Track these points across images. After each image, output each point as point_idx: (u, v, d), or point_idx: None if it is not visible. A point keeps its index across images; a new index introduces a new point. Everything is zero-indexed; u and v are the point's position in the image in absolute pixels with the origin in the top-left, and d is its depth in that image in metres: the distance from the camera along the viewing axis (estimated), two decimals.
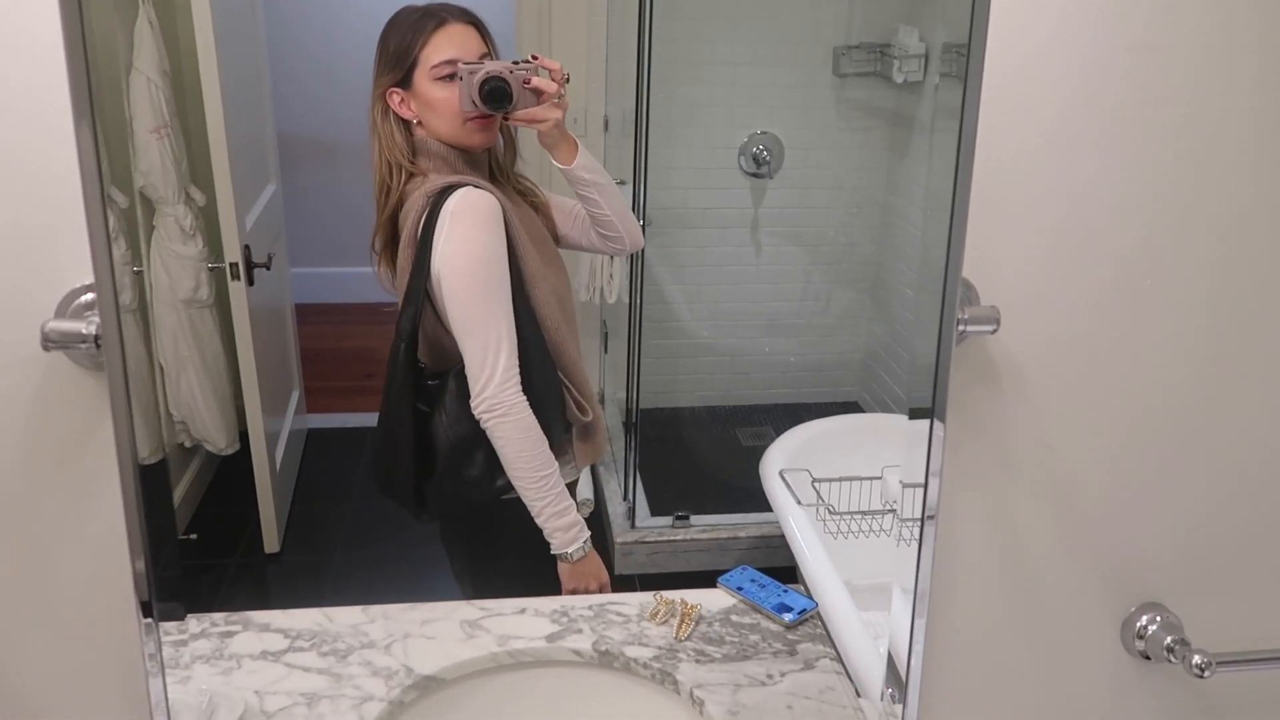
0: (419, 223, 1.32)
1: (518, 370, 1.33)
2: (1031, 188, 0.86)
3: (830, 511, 1.91)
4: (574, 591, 1.40)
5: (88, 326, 0.72)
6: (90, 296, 0.75)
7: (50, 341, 0.72)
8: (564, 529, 1.37)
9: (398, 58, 1.34)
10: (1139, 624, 1.00)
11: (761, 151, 3.10)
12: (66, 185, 0.73)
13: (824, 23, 3.03)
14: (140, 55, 2.26)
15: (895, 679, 1.01)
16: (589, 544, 1.40)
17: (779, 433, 2.23)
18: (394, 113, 1.36)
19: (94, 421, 0.79)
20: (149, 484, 0.80)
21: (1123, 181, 0.87)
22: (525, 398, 1.33)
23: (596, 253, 1.58)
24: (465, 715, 1.15)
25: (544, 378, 1.39)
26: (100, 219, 0.68)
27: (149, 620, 0.81)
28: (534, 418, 1.34)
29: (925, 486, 0.82)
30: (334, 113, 3.45)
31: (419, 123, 1.36)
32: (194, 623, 1.17)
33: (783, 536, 1.93)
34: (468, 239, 1.31)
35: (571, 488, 1.45)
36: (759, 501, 2.04)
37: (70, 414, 0.79)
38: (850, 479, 1.91)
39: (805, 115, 3.09)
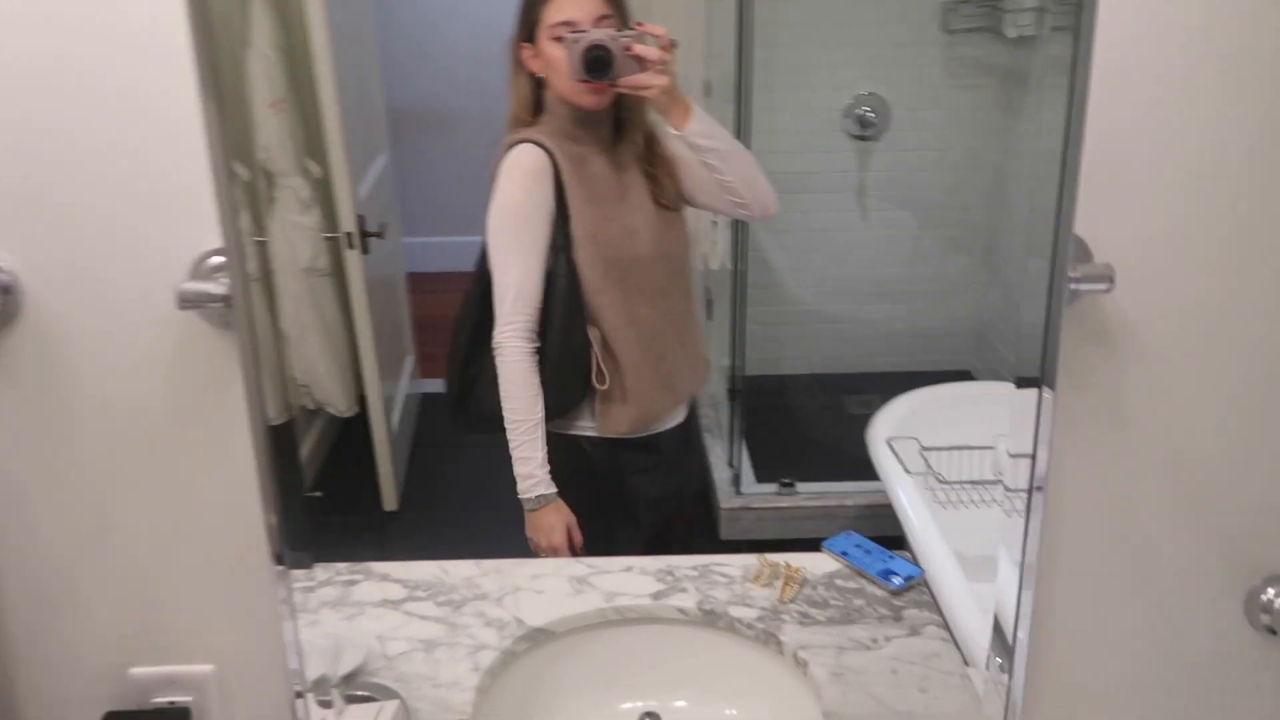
0: (494, 174, 1.43)
1: (522, 319, 1.42)
2: (1149, 142, 0.82)
3: (939, 480, 1.88)
4: (533, 542, 1.48)
5: (218, 287, 0.76)
6: (220, 260, 0.79)
7: (185, 301, 0.77)
8: (521, 476, 1.46)
9: (525, 14, 1.41)
10: (1264, 596, 0.95)
11: (867, 113, 3.02)
12: (197, 156, 0.77)
13: None
14: (257, 31, 2.35)
15: (1003, 649, 0.99)
16: (543, 501, 1.47)
17: (886, 401, 2.19)
18: (525, 66, 1.43)
19: (226, 377, 0.84)
20: (278, 442, 0.85)
21: (1246, 135, 0.82)
22: (522, 345, 1.42)
23: (728, 216, 1.62)
24: (573, 667, 1.19)
25: (564, 336, 1.46)
26: (226, 186, 0.72)
27: (280, 568, 0.87)
28: (524, 366, 1.43)
29: (1034, 454, 0.80)
30: (443, 84, 3.52)
31: (544, 78, 1.43)
32: (320, 571, 1.24)
33: (889, 505, 1.91)
34: (503, 191, 1.42)
35: (610, 444, 1.53)
36: (866, 469, 2.01)
37: (204, 369, 0.84)
38: (960, 448, 1.87)
39: (913, 74, 3.00)
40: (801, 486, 2.57)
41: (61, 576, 0.90)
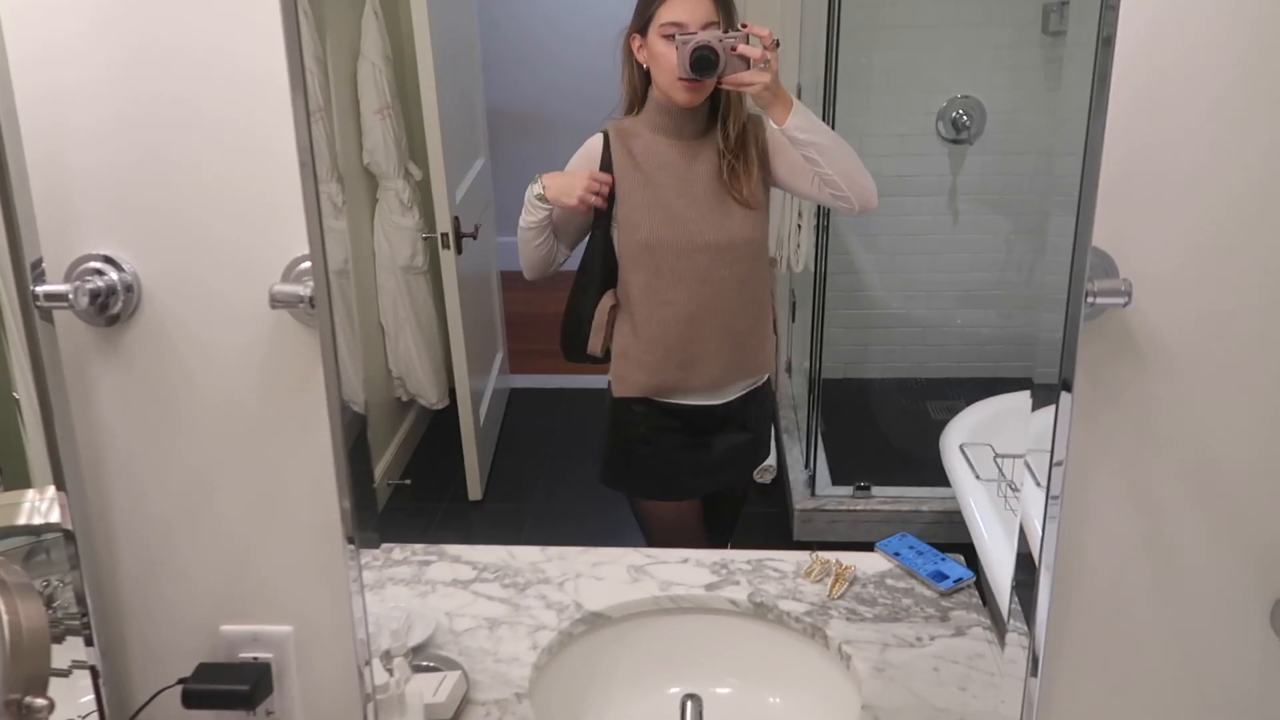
0: None
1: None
2: (1174, 153, 0.82)
3: (1012, 489, 1.87)
4: (569, 200, 1.57)
5: (305, 289, 0.85)
6: (308, 264, 0.89)
7: (276, 301, 0.86)
8: (529, 210, 1.60)
9: (641, 9, 1.53)
10: None
11: (961, 116, 2.99)
12: (290, 168, 0.87)
13: None
14: (366, 43, 2.49)
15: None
16: (542, 183, 1.58)
17: (970, 406, 2.19)
18: (635, 56, 1.56)
19: (311, 369, 0.93)
20: (355, 431, 0.94)
21: (1274, 147, 0.82)
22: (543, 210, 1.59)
23: (829, 207, 1.71)
24: (627, 651, 1.25)
25: (589, 295, 1.63)
26: (313, 198, 0.81)
27: (352, 547, 0.95)
28: (546, 250, 1.62)
29: (1050, 462, 0.82)
30: (541, 89, 3.63)
31: (648, 69, 1.54)
32: (398, 551, 1.33)
33: (961, 511, 1.91)
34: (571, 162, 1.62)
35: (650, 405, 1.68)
36: (944, 475, 2.01)
37: (292, 362, 0.94)
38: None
39: (1010, 77, 2.95)
40: (877, 490, 2.57)
41: (166, 542, 1.01)
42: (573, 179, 1.57)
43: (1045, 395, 0.84)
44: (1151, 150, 0.82)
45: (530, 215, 1.60)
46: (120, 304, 0.90)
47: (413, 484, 2.58)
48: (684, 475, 1.77)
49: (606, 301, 1.64)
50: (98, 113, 0.87)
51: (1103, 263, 0.82)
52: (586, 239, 1.65)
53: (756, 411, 1.77)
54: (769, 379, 1.77)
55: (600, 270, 1.62)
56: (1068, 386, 0.79)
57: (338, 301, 0.83)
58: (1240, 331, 0.87)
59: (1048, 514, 0.85)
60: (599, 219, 1.61)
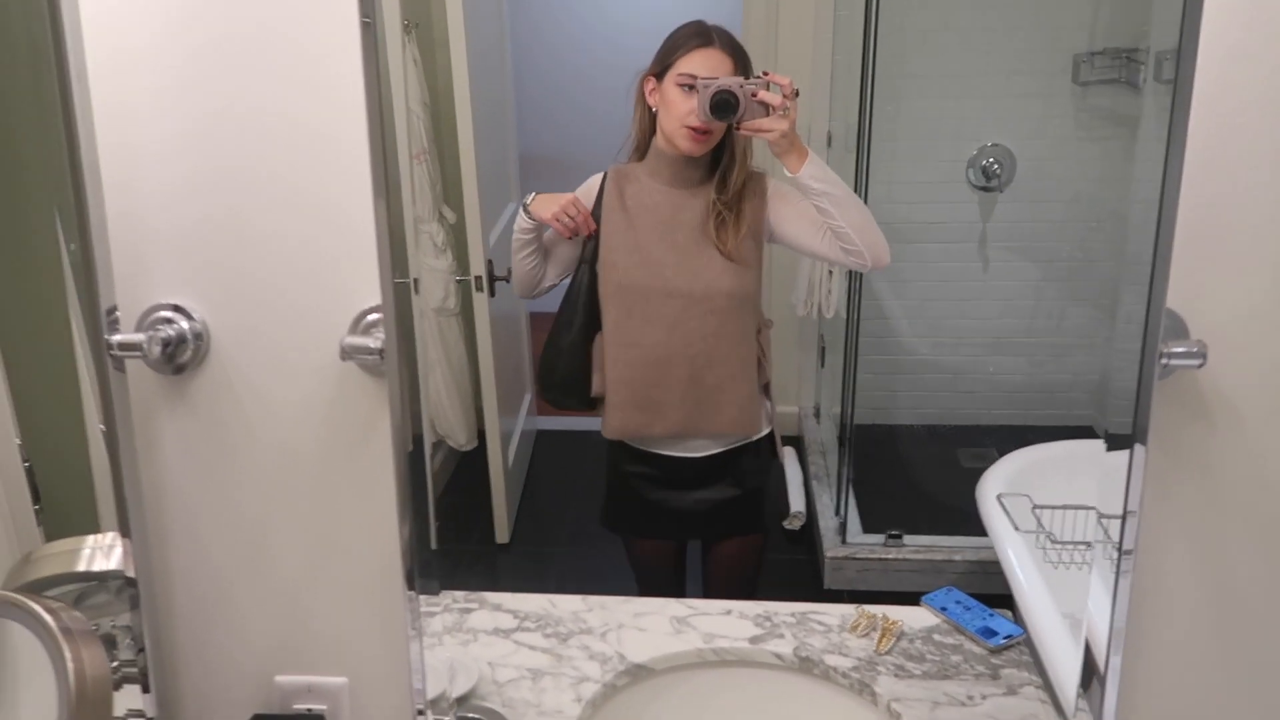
0: None
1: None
2: (1250, 214, 0.83)
3: (1051, 541, 1.85)
4: (550, 216, 1.61)
5: (375, 341, 0.86)
6: (376, 316, 0.90)
7: (346, 353, 0.87)
8: (517, 233, 1.65)
9: (662, 57, 1.56)
10: None
11: (992, 164, 3.01)
12: (360, 224, 0.88)
13: (1064, 29, 2.90)
14: (408, 89, 2.53)
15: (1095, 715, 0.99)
16: (528, 208, 1.63)
17: (1003, 455, 2.17)
18: (646, 100, 1.59)
19: (375, 419, 0.94)
20: (415, 476, 0.94)
21: None
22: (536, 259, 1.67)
23: (838, 265, 1.69)
24: (670, 704, 1.24)
25: (567, 335, 1.67)
26: (387, 254, 0.82)
27: (411, 593, 0.95)
28: (531, 267, 1.67)
29: (1124, 519, 0.82)
30: (572, 135, 3.68)
31: (657, 113, 1.58)
32: (440, 598, 1.33)
33: (998, 562, 1.89)
34: None
35: (627, 450, 1.72)
36: (976, 524, 1.99)
37: (357, 412, 0.95)
38: (1074, 507, 1.84)
39: (1040, 126, 2.98)
40: (909, 539, 2.55)
41: (222, 591, 1.01)
42: (555, 199, 1.61)
43: (1119, 443, 0.83)
44: (1220, 209, 0.82)
45: (518, 223, 1.64)
46: (189, 353, 0.92)
47: (440, 526, 2.58)
48: (661, 522, 1.78)
49: (599, 340, 1.66)
50: (173, 171, 0.89)
51: (1173, 323, 0.82)
52: (572, 275, 1.68)
53: (748, 468, 1.74)
54: (767, 441, 1.75)
55: (582, 308, 1.66)
56: (1142, 438, 0.79)
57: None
58: None
59: (1119, 570, 0.84)
60: (585, 256, 1.64)
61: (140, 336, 0.85)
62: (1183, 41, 0.71)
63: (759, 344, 1.68)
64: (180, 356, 0.91)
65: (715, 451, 1.71)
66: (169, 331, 0.89)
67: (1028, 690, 1.18)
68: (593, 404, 1.72)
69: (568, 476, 3.10)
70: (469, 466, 2.72)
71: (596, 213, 1.63)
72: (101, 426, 0.86)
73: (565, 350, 1.69)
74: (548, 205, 1.61)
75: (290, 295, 0.92)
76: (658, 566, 1.86)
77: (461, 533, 2.70)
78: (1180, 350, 0.78)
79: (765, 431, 1.74)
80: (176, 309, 0.92)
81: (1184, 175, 0.76)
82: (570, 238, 1.64)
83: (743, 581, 1.84)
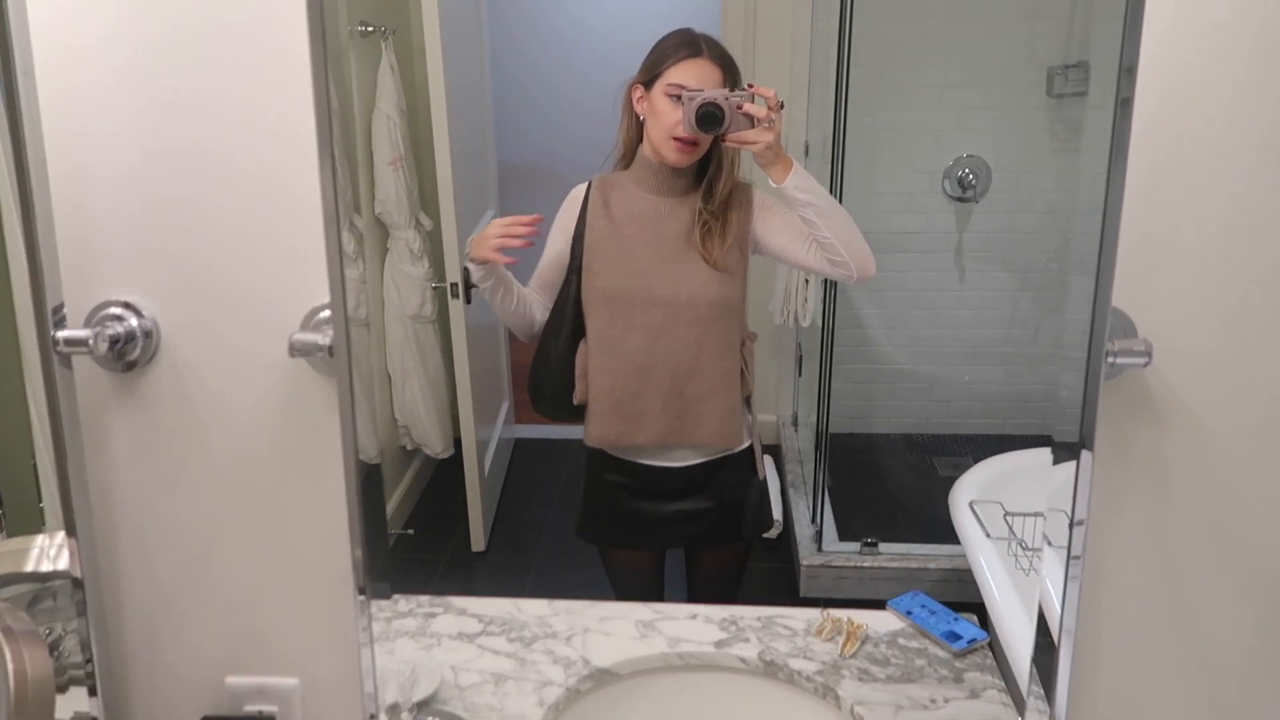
0: None
1: (535, 281, 1.68)
2: (1194, 215, 0.83)
3: (1022, 547, 1.85)
4: (481, 249, 1.57)
5: (324, 338, 0.85)
6: (327, 313, 0.89)
7: (295, 350, 0.86)
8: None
9: (650, 66, 1.56)
10: None
11: (967, 175, 3.02)
12: (312, 218, 0.87)
13: (1038, 42, 2.92)
14: (382, 96, 2.52)
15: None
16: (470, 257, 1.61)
17: (979, 463, 2.17)
18: (634, 107, 1.59)
19: (327, 419, 0.93)
20: (368, 481, 0.93)
21: None
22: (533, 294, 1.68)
23: (824, 276, 1.69)
24: (635, 709, 1.23)
25: (556, 347, 1.65)
26: (336, 248, 0.82)
27: (363, 598, 0.94)
28: (514, 307, 1.66)
29: (1071, 522, 0.82)
30: (550, 144, 3.68)
31: (644, 121, 1.57)
32: (403, 603, 1.32)
33: (971, 569, 1.89)
34: None
35: (607, 459, 1.71)
36: (952, 533, 1.99)
37: (308, 411, 0.94)
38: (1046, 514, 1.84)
39: (1015, 138, 3.00)
40: (885, 547, 2.55)
41: (172, 591, 1.00)
42: (485, 233, 1.56)
43: (1065, 453, 0.84)
44: (1170, 212, 0.83)
45: (472, 277, 1.62)
46: (138, 350, 0.91)
47: (415, 534, 2.56)
48: (639, 532, 1.77)
49: (583, 348, 1.65)
50: (121, 160, 0.88)
51: (1121, 323, 0.82)
52: (560, 287, 1.66)
53: (728, 482, 1.73)
54: (748, 454, 1.74)
55: (570, 317, 1.65)
56: (1088, 445, 0.79)
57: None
58: (1263, 394, 0.87)
59: (1069, 575, 0.84)
60: (573, 266, 1.64)
61: (87, 333, 0.84)
62: (1125, 38, 0.71)
63: (742, 356, 1.68)
64: (130, 354, 0.90)
65: (696, 462, 1.70)
66: (117, 329, 0.88)
67: (990, 694, 1.18)
68: (583, 414, 1.71)
69: (546, 485, 3.09)
70: (445, 475, 2.71)
71: (581, 223, 1.63)
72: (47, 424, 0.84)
73: (554, 362, 1.67)
74: (479, 244, 1.57)
75: (241, 291, 0.91)
76: (634, 576, 1.85)
77: (438, 541, 2.68)
78: (1127, 348, 0.78)
79: (746, 444, 1.73)
80: (126, 306, 0.91)
81: (1131, 181, 0.76)
82: (527, 246, 1.59)
83: (724, 590, 1.84)
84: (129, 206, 0.89)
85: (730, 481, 1.74)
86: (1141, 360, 0.79)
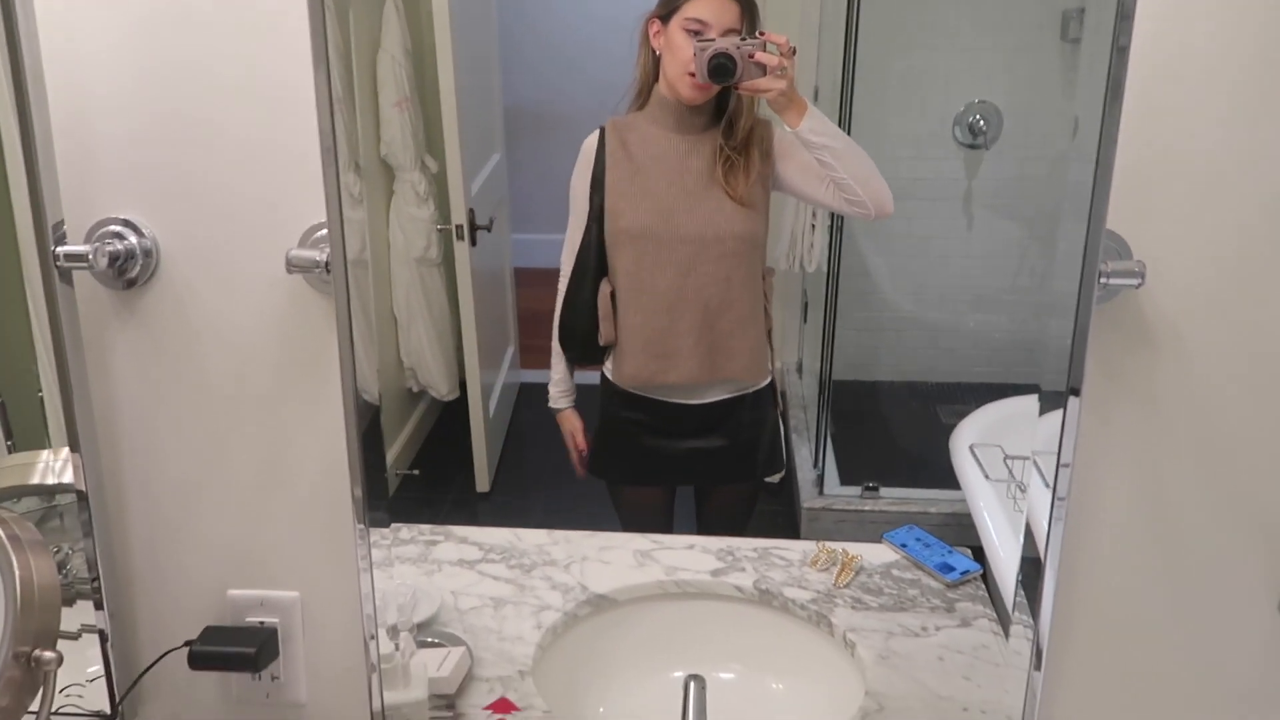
0: None
1: (567, 270, 1.69)
2: (1190, 139, 0.83)
3: (1021, 490, 1.86)
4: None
5: (321, 255, 0.86)
6: (325, 231, 0.89)
7: (292, 266, 0.87)
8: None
9: (668, 0, 1.54)
10: None
11: (978, 121, 2.98)
12: (310, 140, 0.87)
13: None
14: (387, 35, 2.50)
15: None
16: (557, 410, 1.80)
17: (981, 407, 2.18)
18: (651, 42, 1.57)
19: (326, 337, 0.94)
20: (368, 409, 0.94)
21: None
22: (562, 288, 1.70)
23: (842, 214, 1.73)
24: (630, 634, 1.25)
25: (584, 286, 1.67)
26: (332, 163, 0.82)
27: (362, 526, 0.96)
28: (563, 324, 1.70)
29: (1058, 461, 0.82)
30: (559, 88, 3.63)
31: (660, 57, 1.57)
32: (405, 531, 1.34)
33: (969, 509, 1.90)
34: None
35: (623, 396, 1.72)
36: (954, 478, 2.00)
37: (307, 329, 0.95)
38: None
39: (1028, 82, 2.94)
40: (885, 491, 2.56)
41: (176, 505, 1.02)
42: (567, 434, 1.80)
43: (1054, 400, 0.84)
44: (1166, 140, 0.82)
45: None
46: (139, 268, 0.92)
47: (421, 474, 2.58)
48: (652, 468, 1.81)
49: (605, 289, 1.66)
50: (120, 75, 0.88)
51: (1116, 245, 0.82)
52: (583, 232, 1.67)
53: (746, 420, 1.76)
54: (768, 391, 1.76)
55: (594, 262, 1.66)
56: (1076, 390, 0.79)
57: (353, 291, 0.83)
58: (1256, 321, 0.87)
59: (1054, 515, 0.85)
60: (593, 213, 1.64)
61: (86, 248, 0.85)
62: None
63: (764, 291, 1.71)
64: (130, 271, 0.91)
65: (718, 399, 1.72)
66: (117, 246, 0.88)
67: (981, 623, 1.20)
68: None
69: (550, 429, 3.10)
70: (451, 417, 2.73)
71: (600, 168, 1.63)
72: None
73: (580, 307, 1.70)
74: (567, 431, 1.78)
75: (242, 207, 0.92)
76: (644, 514, 1.88)
77: (443, 481, 2.71)
78: (1120, 268, 0.78)
79: (767, 381, 1.75)
80: (126, 224, 0.91)
81: (1127, 114, 0.76)
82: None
83: (732, 529, 1.86)
84: (128, 122, 0.89)
85: (746, 420, 1.77)
86: (1135, 281, 0.79)
